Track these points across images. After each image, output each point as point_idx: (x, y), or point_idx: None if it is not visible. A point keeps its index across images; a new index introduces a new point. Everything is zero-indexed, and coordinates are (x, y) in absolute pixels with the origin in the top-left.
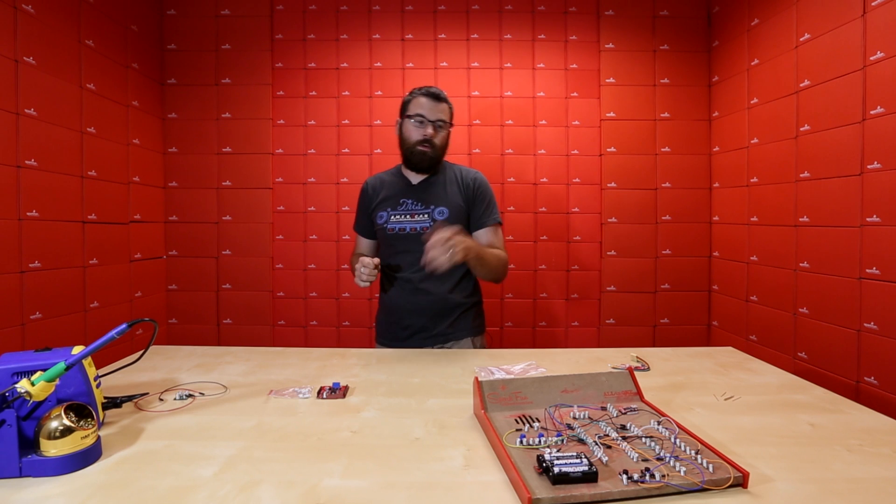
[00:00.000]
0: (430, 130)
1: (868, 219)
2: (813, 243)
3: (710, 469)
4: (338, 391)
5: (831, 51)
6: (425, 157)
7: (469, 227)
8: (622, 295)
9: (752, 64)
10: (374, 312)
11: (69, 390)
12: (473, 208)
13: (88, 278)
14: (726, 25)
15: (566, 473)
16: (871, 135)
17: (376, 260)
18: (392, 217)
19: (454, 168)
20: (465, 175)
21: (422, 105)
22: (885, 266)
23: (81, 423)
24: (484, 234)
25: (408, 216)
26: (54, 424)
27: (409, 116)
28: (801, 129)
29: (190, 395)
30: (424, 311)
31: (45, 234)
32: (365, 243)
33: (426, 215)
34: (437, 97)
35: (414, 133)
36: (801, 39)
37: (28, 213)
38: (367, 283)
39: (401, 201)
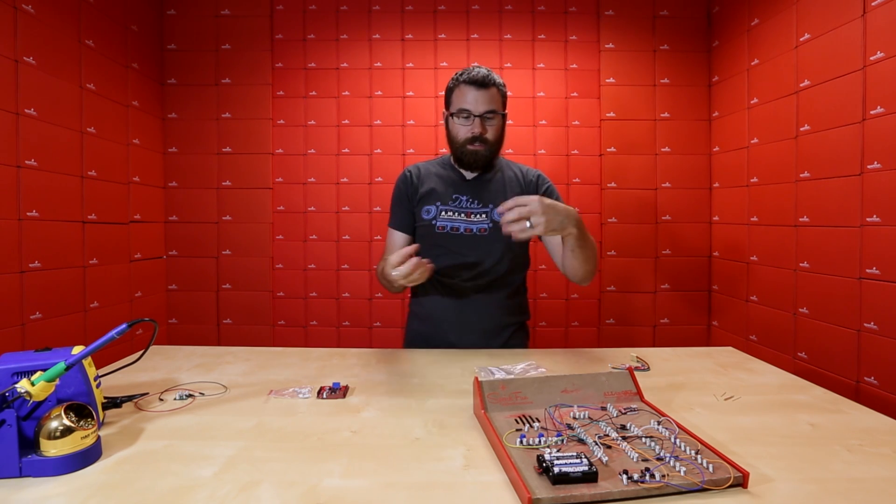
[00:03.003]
0: (477, 129)
1: (868, 219)
2: (813, 243)
3: (710, 469)
4: (338, 391)
5: (831, 51)
6: (478, 157)
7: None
8: (622, 295)
9: (752, 64)
10: (374, 312)
11: (69, 390)
12: None
13: (88, 278)
14: (726, 25)
15: (566, 473)
16: (871, 135)
17: (414, 246)
18: (443, 213)
19: (513, 166)
20: (526, 173)
21: (465, 96)
22: (885, 266)
23: (81, 423)
24: (557, 240)
25: (462, 214)
26: (54, 424)
27: (453, 113)
28: (801, 129)
29: (190, 395)
30: (475, 327)
31: (45, 234)
32: (401, 241)
33: (484, 215)
34: (481, 83)
35: (461, 131)
36: (801, 39)
37: (28, 213)
38: (407, 282)
39: (453, 196)
